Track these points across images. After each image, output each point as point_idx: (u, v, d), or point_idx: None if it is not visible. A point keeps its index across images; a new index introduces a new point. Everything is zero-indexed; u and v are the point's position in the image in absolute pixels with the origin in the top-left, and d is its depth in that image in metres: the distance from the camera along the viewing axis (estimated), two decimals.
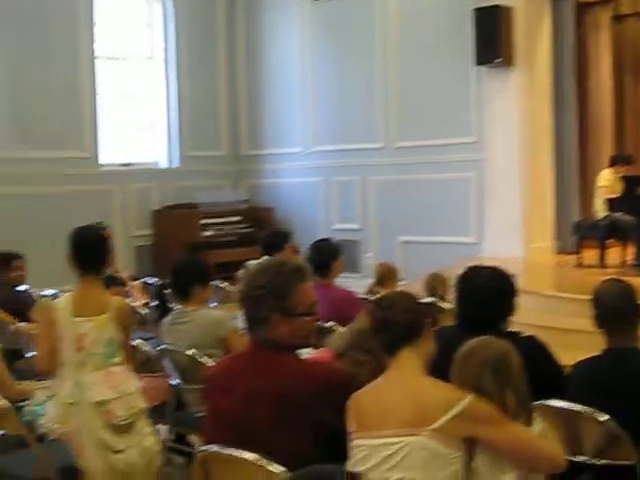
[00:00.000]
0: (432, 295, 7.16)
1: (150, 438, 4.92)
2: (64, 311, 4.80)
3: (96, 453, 4.67)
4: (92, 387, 4.72)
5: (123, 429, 4.74)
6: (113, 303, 4.89)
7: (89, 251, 4.96)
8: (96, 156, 13.77)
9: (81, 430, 4.70)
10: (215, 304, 6.20)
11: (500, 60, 11.75)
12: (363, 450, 3.25)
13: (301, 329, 3.55)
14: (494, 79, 12.07)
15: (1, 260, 7.82)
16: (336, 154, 14.00)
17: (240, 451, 3.32)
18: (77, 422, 4.71)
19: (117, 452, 4.69)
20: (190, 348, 5.55)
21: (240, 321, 5.83)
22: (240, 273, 8.26)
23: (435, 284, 7.50)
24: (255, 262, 7.17)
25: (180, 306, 5.88)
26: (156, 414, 5.89)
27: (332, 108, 14.05)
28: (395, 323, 3.43)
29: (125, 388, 4.80)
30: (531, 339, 4.37)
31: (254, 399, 3.39)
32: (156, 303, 8.15)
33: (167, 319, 6.01)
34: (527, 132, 11.99)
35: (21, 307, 7.53)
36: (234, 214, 14.69)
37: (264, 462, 3.24)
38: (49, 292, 8.63)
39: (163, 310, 5.99)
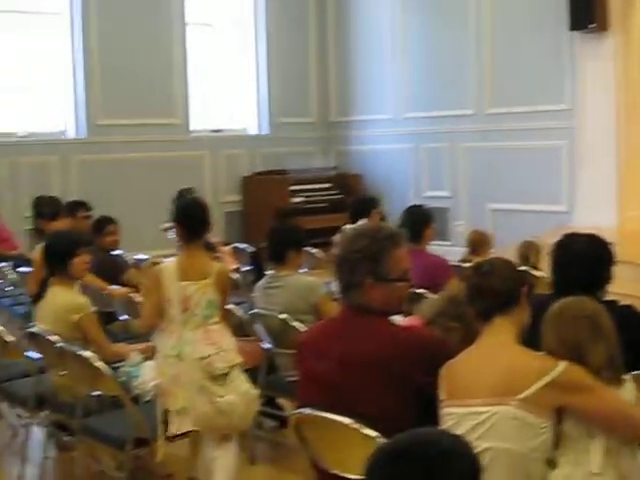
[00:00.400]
0: (524, 263, 7.07)
1: (246, 384, 5.12)
2: (171, 275, 5.09)
3: (201, 399, 4.89)
4: (192, 344, 4.96)
5: (221, 379, 4.96)
6: (215, 268, 5.16)
7: (194, 221, 5.27)
8: (187, 123, 13.89)
9: (185, 381, 4.92)
10: (305, 270, 6.23)
11: (594, 25, 11.49)
12: (453, 418, 3.23)
13: (394, 295, 3.54)
14: (588, 45, 11.83)
15: (95, 225, 7.93)
16: (426, 121, 13.89)
17: (334, 414, 3.33)
18: (175, 373, 4.93)
19: (219, 397, 4.92)
20: (282, 312, 5.60)
21: (333, 286, 5.88)
22: (336, 238, 8.28)
23: (528, 252, 7.41)
24: (351, 227, 7.22)
25: (273, 271, 5.94)
26: (248, 377, 5.97)
27: (423, 74, 13.93)
28: (492, 290, 3.39)
29: (222, 344, 5.03)
30: (629, 307, 4.30)
31: (348, 363, 3.39)
32: (250, 268, 8.20)
33: (260, 283, 6.08)
34: (621, 99, 11.73)
35: (114, 271, 7.64)
36: (323, 181, 14.69)
37: (359, 426, 3.25)
38: (141, 257, 8.74)
39: (259, 275, 6.06)
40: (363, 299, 3.48)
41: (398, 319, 3.87)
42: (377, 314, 3.49)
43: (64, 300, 5.61)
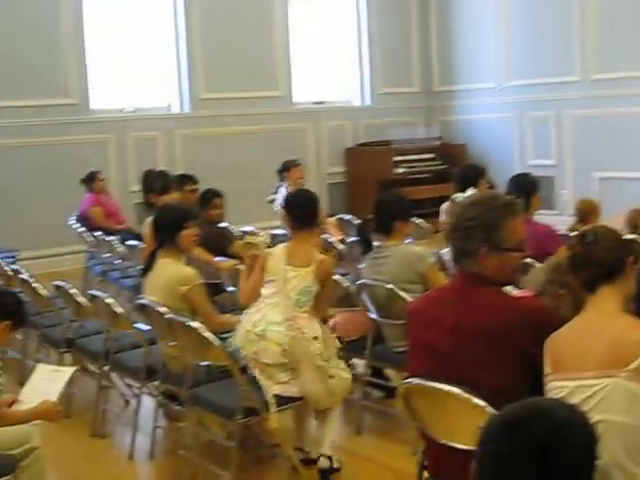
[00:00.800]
0: (633, 232, 6.92)
1: (347, 374, 5.19)
2: (278, 259, 5.24)
3: (316, 377, 4.97)
4: (278, 326, 5.03)
5: (325, 363, 5.03)
6: (317, 258, 5.22)
7: (303, 212, 5.40)
8: (290, 95, 13.93)
9: (272, 361, 4.99)
10: (410, 240, 6.20)
11: None
12: (561, 391, 3.16)
13: (508, 265, 3.47)
14: None
15: (202, 198, 8.00)
16: (530, 88, 13.70)
17: (444, 384, 3.31)
18: (256, 350, 5.01)
19: (331, 377, 5.02)
20: (389, 283, 5.59)
21: (445, 255, 5.85)
22: (444, 207, 8.24)
23: (637, 220, 7.25)
24: (463, 195, 7.18)
25: (380, 242, 5.93)
26: (354, 348, 5.97)
27: (526, 41, 13.72)
28: (597, 259, 3.31)
29: (306, 332, 5.04)
30: None
31: (460, 331, 3.35)
32: (357, 239, 8.20)
33: (368, 254, 6.07)
34: None
35: (221, 244, 7.70)
36: (427, 151, 14.62)
37: (468, 396, 3.22)
38: (247, 228, 8.80)
39: (366, 246, 6.05)
40: (476, 268, 3.44)
41: (510, 290, 3.82)
42: (490, 283, 3.45)
43: (172, 272, 5.68)
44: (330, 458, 5.18)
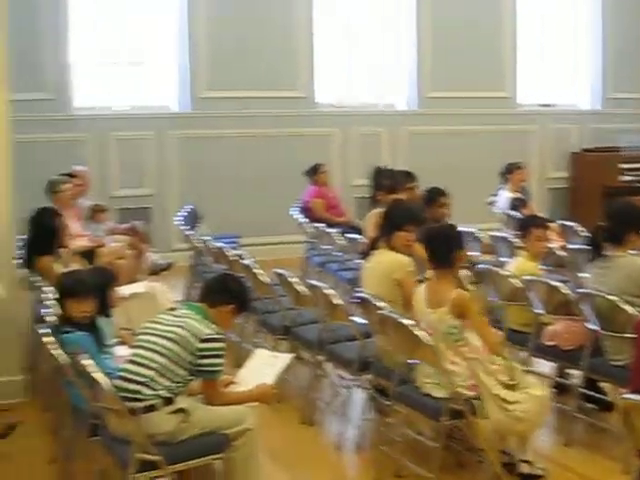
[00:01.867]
0: None
1: (538, 388, 5.02)
2: (421, 300, 5.22)
3: (494, 406, 4.84)
4: (446, 375, 4.91)
5: (509, 386, 4.92)
6: (451, 296, 5.04)
7: (441, 248, 5.24)
8: (515, 96, 13.80)
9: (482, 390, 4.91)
10: (636, 252, 5.98)
11: None
12: None
13: None
14: None
15: (427, 196, 8.02)
16: None
17: None
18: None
19: (512, 403, 4.85)
20: (612, 294, 5.43)
21: None
22: None
23: None
24: None
25: (608, 251, 5.77)
26: (570, 358, 5.84)
27: None
28: None
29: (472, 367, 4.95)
30: None
31: None
32: (585, 246, 8.03)
33: (594, 263, 5.92)
34: None
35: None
36: None
37: None
38: (468, 229, 8.74)
39: (594, 255, 5.87)
40: None
41: None
42: None
43: (388, 259, 5.89)
44: (531, 464, 5.11)
